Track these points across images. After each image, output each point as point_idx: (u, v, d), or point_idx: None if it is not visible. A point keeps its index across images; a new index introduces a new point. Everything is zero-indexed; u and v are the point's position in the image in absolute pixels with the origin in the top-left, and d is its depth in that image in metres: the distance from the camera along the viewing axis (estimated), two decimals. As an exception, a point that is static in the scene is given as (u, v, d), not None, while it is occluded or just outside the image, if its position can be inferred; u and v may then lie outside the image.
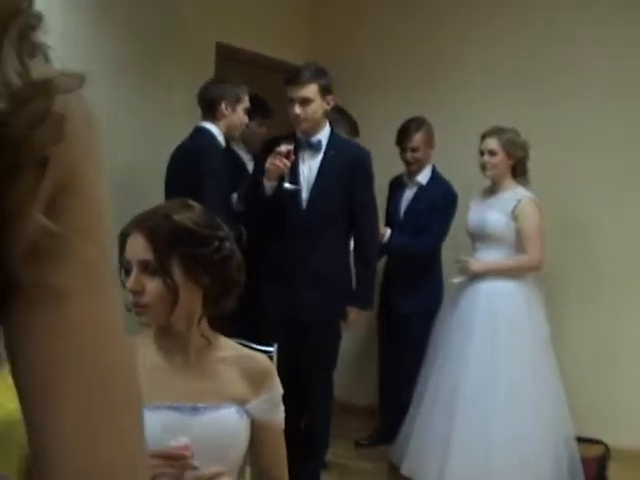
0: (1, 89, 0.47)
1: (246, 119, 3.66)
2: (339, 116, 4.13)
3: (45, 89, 0.49)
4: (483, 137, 3.82)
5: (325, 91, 3.43)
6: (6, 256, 0.50)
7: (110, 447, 0.52)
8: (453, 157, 4.34)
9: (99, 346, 0.52)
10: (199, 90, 3.63)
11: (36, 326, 0.51)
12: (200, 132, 3.53)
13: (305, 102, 3.39)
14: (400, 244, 4.07)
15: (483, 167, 3.82)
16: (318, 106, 3.43)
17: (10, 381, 1.47)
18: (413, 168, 4.21)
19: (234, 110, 3.57)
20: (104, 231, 0.55)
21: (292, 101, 3.43)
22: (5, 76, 0.48)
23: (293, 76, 3.43)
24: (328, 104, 3.47)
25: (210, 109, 3.55)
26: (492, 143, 3.78)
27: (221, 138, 3.56)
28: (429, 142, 4.20)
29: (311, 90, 3.39)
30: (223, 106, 3.54)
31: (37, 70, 0.50)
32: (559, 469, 3.63)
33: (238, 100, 3.58)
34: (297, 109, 3.41)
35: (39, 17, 0.51)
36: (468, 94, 4.63)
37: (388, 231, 4.04)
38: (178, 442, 1.57)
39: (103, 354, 0.53)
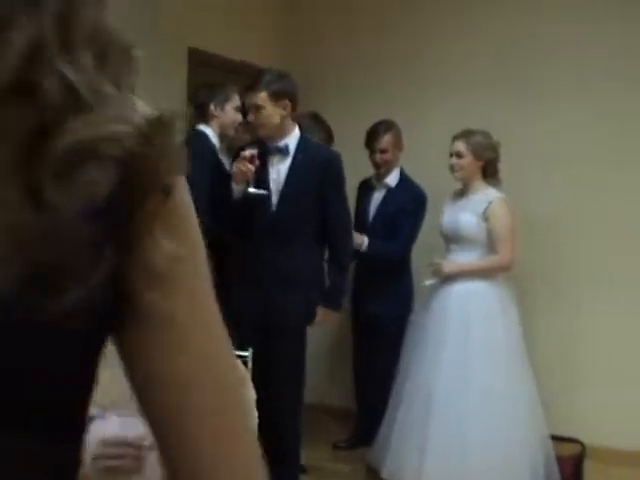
0: (130, 130, 0.52)
1: (238, 116, 3.82)
2: (313, 122, 4.15)
3: (165, 125, 0.55)
4: (453, 140, 3.87)
5: (277, 97, 3.43)
6: (127, 279, 0.54)
7: (238, 440, 0.60)
8: (421, 160, 4.38)
9: (216, 356, 0.60)
10: (192, 97, 3.93)
11: (157, 346, 0.57)
12: (195, 134, 3.70)
13: (257, 108, 3.45)
14: (371, 248, 4.07)
15: (452, 169, 3.87)
16: (271, 112, 3.44)
17: None
18: (382, 170, 4.24)
19: (223, 109, 3.78)
20: (202, 253, 0.61)
21: (249, 108, 3.53)
22: (130, 117, 0.53)
23: (250, 83, 3.50)
24: (284, 109, 3.47)
25: (201, 112, 3.80)
26: (460, 146, 3.83)
27: (215, 139, 3.77)
28: (397, 144, 4.26)
29: (261, 97, 3.42)
30: (212, 107, 3.76)
31: (144, 108, 0.56)
32: (535, 469, 3.63)
33: (227, 99, 3.79)
34: (250, 116, 3.52)
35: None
36: (438, 95, 4.63)
37: (365, 240, 4.04)
38: (135, 431, 1.59)
39: (218, 363, 0.60)
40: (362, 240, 4.03)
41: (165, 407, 0.58)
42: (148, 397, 0.59)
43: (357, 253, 4.01)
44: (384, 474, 3.84)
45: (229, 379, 0.62)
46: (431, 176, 4.23)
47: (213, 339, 0.61)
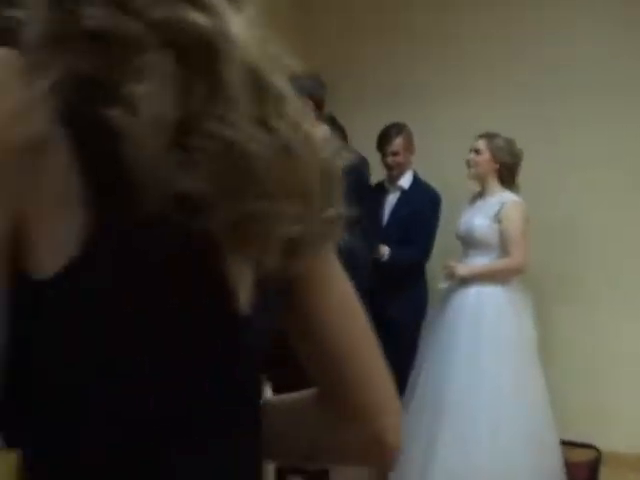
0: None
1: None
2: (330, 124, 4.13)
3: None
4: (476, 138, 3.90)
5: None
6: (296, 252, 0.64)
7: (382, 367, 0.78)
8: (435, 163, 4.37)
9: (359, 309, 0.76)
10: None
11: (324, 307, 0.73)
12: None
13: None
14: (393, 257, 4.02)
15: (468, 164, 3.89)
16: None
17: None
18: (394, 173, 4.23)
19: None
20: None
21: None
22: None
23: None
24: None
25: None
26: (480, 143, 3.87)
27: None
28: (409, 147, 4.26)
29: None
30: None
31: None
32: (542, 472, 3.59)
33: None
34: None
35: None
36: (453, 98, 4.61)
37: (386, 250, 4.01)
38: None
39: (362, 314, 0.76)
40: (383, 251, 4.00)
41: (338, 350, 0.74)
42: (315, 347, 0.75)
43: (376, 262, 3.94)
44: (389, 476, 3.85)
45: (367, 325, 0.78)
46: (445, 180, 4.23)
47: (355, 300, 0.77)
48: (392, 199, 4.26)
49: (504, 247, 3.77)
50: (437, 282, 4.01)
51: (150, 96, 0.55)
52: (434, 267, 4.17)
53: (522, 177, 3.88)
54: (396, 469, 3.76)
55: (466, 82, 4.60)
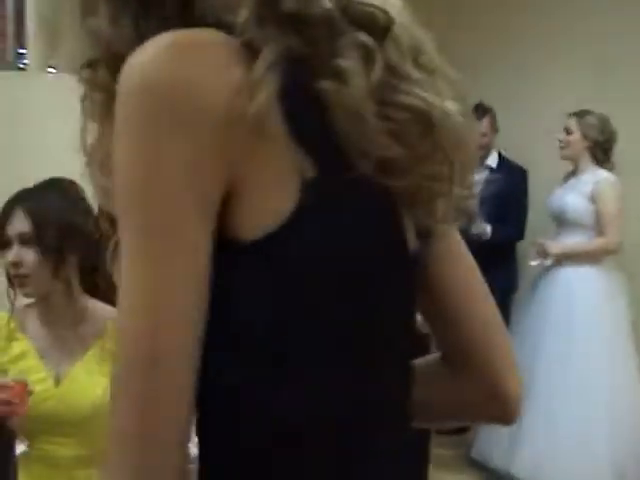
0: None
1: None
2: None
3: None
4: (567, 116, 3.85)
5: None
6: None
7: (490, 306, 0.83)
8: (520, 143, 4.36)
9: (481, 279, 0.83)
10: None
11: (448, 258, 0.80)
12: None
13: None
14: (493, 236, 4.03)
15: (560, 144, 3.86)
16: None
17: (92, 367, 1.63)
18: (482, 153, 4.22)
19: None
20: None
21: None
22: None
23: None
24: None
25: None
26: (571, 122, 3.81)
27: None
28: (493, 127, 4.30)
29: None
30: None
31: None
32: (627, 466, 3.52)
33: None
34: None
35: None
36: (539, 77, 4.52)
37: (488, 228, 4.03)
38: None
39: (483, 283, 0.84)
40: (484, 228, 4.00)
41: (456, 292, 0.81)
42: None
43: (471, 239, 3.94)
44: (474, 453, 3.86)
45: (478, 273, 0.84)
46: (531, 160, 4.22)
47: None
48: (479, 178, 4.28)
49: (598, 226, 3.73)
50: (526, 260, 3.99)
51: (355, 70, 0.62)
52: (523, 245, 4.15)
53: (617, 155, 3.81)
54: (481, 450, 3.80)
55: (549, 59, 4.50)
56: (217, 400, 0.63)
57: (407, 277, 0.71)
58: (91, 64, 0.66)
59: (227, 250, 0.60)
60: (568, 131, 3.81)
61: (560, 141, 3.83)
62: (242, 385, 0.63)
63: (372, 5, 0.65)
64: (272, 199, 0.60)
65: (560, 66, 4.42)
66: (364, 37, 0.63)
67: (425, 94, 0.65)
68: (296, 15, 0.61)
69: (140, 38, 0.61)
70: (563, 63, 4.41)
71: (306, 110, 0.61)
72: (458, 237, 0.81)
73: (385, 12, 0.65)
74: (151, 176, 0.57)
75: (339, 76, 0.62)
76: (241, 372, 0.62)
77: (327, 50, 0.62)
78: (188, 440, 0.59)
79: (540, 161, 4.17)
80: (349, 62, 0.62)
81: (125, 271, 0.58)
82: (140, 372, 0.56)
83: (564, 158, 3.86)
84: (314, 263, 0.61)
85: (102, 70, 0.66)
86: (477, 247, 3.68)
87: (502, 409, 0.82)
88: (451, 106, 0.67)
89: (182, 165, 0.57)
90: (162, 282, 0.57)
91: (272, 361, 0.62)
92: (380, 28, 0.64)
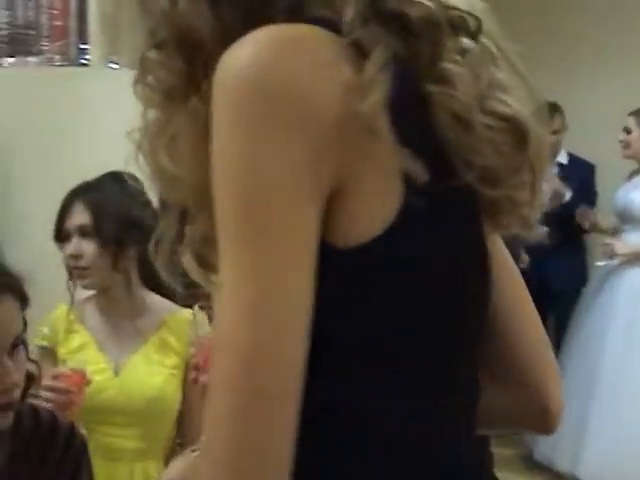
0: None
1: None
2: None
3: None
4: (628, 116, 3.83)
5: None
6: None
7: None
8: (585, 141, 4.34)
9: (524, 285, 0.80)
10: None
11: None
12: None
13: None
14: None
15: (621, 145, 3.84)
16: None
17: (151, 356, 1.62)
18: (553, 150, 4.20)
19: None
20: None
21: None
22: None
23: None
24: None
25: None
26: (630, 121, 3.81)
27: None
28: (564, 124, 4.26)
29: None
30: None
31: None
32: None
33: None
34: None
35: None
36: (600, 76, 4.47)
37: (568, 192, 3.99)
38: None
39: (525, 288, 0.80)
40: (564, 190, 3.97)
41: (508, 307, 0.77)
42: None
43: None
44: (537, 455, 3.80)
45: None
46: (597, 158, 4.23)
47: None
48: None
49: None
50: (594, 259, 3.95)
51: (465, 75, 0.61)
52: (589, 243, 4.14)
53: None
54: (548, 453, 3.72)
55: (609, 58, 4.45)
56: (317, 417, 0.59)
57: (489, 287, 0.70)
58: (159, 45, 0.65)
59: (327, 257, 0.57)
60: (628, 130, 3.80)
61: (621, 141, 3.81)
62: (343, 400, 0.61)
63: (462, 9, 0.64)
64: (377, 203, 0.59)
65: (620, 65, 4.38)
66: (468, 42, 0.63)
67: (516, 103, 0.64)
68: (399, 16, 0.60)
69: (218, 19, 0.61)
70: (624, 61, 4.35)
71: (413, 114, 0.61)
72: (501, 243, 0.77)
73: (476, 17, 0.64)
74: (267, 180, 0.54)
75: (447, 80, 0.61)
76: (340, 385, 0.61)
77: (431, 53, 0.61)
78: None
79: (605, 159, 4.15)
80: (457, 67, 0.61)
81: (232, 280, 0.54)
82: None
83: (626, 157, 3.86)
84: (417, 270, 0.61)
85: (170, 50, 0.64)
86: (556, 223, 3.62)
87: (548, 422, 0.81)
88: (531, 112, 0.65)
89: (296, 167, 0.55)
90: (280, 289, 0.54)
91: (371, 373, 0.61)
92: (471, 33, 0.63)
